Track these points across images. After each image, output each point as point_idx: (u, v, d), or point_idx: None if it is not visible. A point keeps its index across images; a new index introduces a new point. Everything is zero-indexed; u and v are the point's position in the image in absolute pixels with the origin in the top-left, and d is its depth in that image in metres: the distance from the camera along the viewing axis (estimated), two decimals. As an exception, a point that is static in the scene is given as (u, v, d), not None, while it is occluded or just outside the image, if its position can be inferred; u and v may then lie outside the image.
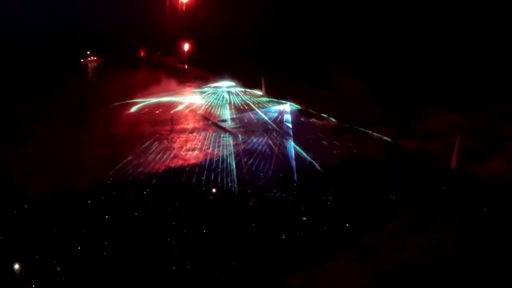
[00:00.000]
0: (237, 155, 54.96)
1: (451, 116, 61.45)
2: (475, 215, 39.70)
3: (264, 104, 75.94)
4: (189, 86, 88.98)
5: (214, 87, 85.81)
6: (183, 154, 57.07)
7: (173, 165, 53.59)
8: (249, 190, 46.37)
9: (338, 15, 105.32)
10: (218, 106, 76.35)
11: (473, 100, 65.02)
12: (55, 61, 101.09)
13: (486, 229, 37.36)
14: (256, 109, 73.29)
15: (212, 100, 78.73)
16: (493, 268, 32.28)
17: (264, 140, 59.99)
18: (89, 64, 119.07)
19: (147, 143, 59.30)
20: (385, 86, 74.15)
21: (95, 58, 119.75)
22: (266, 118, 68.88)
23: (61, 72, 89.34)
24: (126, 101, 74.64)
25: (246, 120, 69.88)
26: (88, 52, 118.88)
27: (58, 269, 33.67)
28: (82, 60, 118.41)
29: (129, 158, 53.35)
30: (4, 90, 77.96)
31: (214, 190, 46.68)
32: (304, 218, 40.84)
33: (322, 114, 69.66)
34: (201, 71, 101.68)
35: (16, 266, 33.90)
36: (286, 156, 54.96)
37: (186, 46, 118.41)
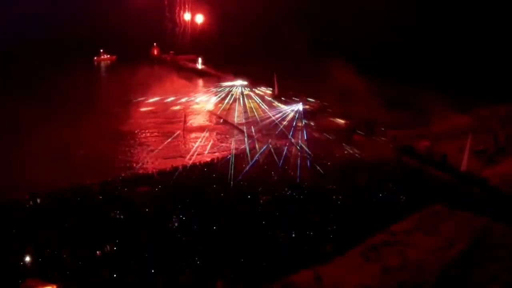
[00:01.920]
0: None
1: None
2: (486, 216, 39.36)
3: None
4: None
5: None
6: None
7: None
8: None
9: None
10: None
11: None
12: (68, 59, 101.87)
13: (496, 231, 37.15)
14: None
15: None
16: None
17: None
18: (102, 63, 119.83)
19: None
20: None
21: (108, 56, 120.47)
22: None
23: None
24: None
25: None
26: (101, 51, 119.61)
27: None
28: (95, 58, 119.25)
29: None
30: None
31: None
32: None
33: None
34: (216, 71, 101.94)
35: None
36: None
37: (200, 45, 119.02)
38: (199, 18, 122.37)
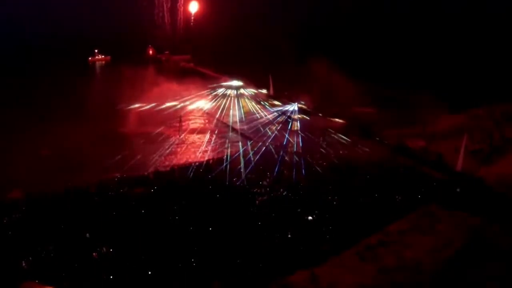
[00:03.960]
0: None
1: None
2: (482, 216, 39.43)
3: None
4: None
5: None
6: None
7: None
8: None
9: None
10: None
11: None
12: (62, 60, 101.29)
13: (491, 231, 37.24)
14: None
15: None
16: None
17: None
18: (97, 63, 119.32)
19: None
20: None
21: (103, 56, 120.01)
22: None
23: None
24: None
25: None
26: (96, 51, 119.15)
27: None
28: (90, 59, 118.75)
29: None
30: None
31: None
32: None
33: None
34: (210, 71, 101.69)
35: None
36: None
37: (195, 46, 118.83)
38: (194, 20, 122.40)
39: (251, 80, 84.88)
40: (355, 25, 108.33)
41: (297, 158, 54.16)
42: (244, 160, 53.41)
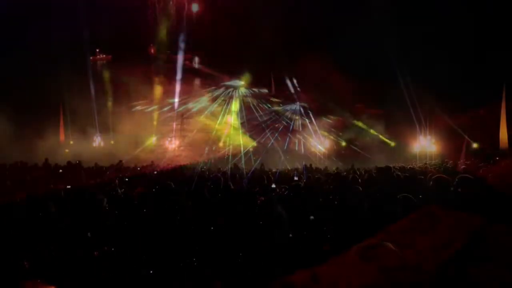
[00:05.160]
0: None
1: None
2: (483, 216, 39.39)
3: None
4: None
5: None
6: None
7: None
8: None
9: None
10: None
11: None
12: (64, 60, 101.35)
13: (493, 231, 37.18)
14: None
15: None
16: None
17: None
18: (98, 62, 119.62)
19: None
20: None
21: (104, 56, 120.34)
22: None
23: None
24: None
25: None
26: (97, 50, 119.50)
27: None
28: (91, 58, 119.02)
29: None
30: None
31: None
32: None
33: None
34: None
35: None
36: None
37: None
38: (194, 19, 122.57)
39: (253, 79, 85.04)
40: (355, 24, 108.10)
41: (298, 158, 54.34)
42: (245, 160, 53.60)
